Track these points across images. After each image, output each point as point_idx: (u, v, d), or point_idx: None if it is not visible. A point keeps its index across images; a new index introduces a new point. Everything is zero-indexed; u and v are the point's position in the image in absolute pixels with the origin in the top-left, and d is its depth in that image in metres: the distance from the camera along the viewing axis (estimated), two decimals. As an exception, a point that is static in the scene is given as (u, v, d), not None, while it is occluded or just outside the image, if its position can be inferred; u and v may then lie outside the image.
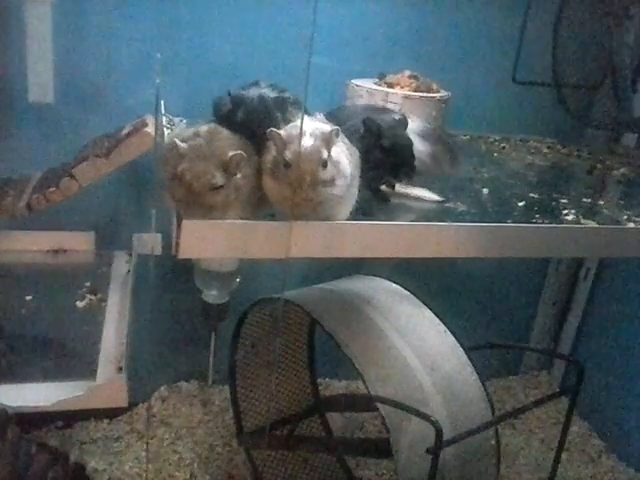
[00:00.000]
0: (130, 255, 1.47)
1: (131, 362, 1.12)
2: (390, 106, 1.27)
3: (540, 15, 1.56)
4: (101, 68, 1.41)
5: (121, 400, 1.07)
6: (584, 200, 1.21)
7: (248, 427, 1.51)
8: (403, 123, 1.06)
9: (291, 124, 0.90)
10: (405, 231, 0.94)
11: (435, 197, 1.10)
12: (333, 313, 1.20)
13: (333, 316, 1.18)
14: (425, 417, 1.00)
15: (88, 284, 1.36)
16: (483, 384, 1.20)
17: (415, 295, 1.32)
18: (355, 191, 0.93)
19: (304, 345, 1.60)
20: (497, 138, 1.63)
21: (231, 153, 0.87)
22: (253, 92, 0.94)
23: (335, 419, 1.67)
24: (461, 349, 1.22)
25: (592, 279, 1.90)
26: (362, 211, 0.94)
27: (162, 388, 1.76)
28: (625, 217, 1.12)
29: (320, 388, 1.68)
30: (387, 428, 1.04)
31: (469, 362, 1.21)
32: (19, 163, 1.41)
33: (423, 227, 0.96)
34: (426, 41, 1.58)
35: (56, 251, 1.47)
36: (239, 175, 0.88)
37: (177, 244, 0.84)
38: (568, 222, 1.06)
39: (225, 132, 0.92)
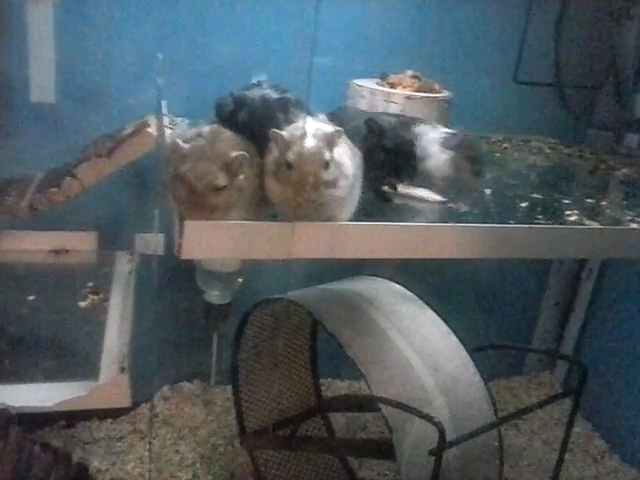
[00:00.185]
0: (132, 255, 1.47)
1: (134, 362, 1.12)
2: (392, 106, 1.27)
3: (542, 15, 1.56)
4: (103, 68, 1.41)
5: (124, 400, 1.07)
6: (587, 201, 1.21)
7: (250, 427, 1.51)
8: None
9: (293, 125, 0.90)
10: (407, 232, 0.94)
11: (437, 198, 1.09)
12: (335, 314, 1.20)
13: (335, 317, 1.18)
14: (428, 418, 1.00)
15: (90, 284, 1.36)
16: (486, 385, 1.19)
17: (418, 296, 1.32)
18: (357, 192, 0.93)
19: (306, 345, 1.60)
20: (499, 138, 1.63)
21: (234, 154, 0.87)
22: (255, 93, 0.94)
23: (337, 420, 1.67)
24: (464, 350, 1.22)
25: (594, 280, 1.90)
26: (364, 212, 0.94)
27: (165, 388, 1.76)
28: (628, 218, 1.12)
29: (322, 388, 1.68)
30: (390, 429, 1.04)
31: (472, 363, 1.21)
32: (21, 163, 1.42)
33: (425, 228, 0.96)
34: (428, 41, 1.58)
35: (58, 251, 1.48)
36: (241, 176, 0.88)
37: (179, 245, 0.84)
38: (571, 223, 1.06)
39: (227, 133, 0.92)
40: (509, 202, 1.15)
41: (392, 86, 1.34)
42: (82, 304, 1.29)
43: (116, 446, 1.57)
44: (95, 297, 1.32)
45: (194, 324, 1.65)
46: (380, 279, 1.39)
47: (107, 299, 1.31)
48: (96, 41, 1.39)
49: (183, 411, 1.71)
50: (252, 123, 0.92)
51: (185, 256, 0.85)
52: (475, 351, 1.23)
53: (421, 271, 1.48)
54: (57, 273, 1.43)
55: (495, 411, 1.18)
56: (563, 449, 1.30)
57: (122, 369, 1.09)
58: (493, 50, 1.63)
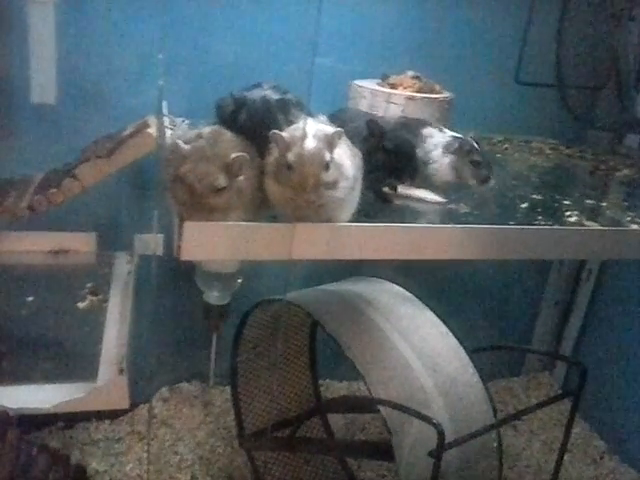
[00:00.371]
0: (131, 256, 1.47)
1: (132, 363, 1.12)
2: (392, 107, 1.27)
3: (543, 16, 1.56)
4: (103, 69, 1.41)
5: (122, 401, 1.07)
6: (587, 201, 1.21)
7: (249, 428, 1.51)
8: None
9: (294, 126, 0.90)
10: (407, 233, 0.94)
11: (437, 199, 1.09)
12: (335, 315, 1.20)
13: (335, 318, 1.18)
14: (427, 419, 1.00)
15: (89, 285, 1.36)
16: (485, 385, 1.19)
17: (417, 297, 1.32)
18: (358, 193, 0.93)
19: (306, 346, 1.59)
20: (500, 139, 1.63)
21: (234, 155, 0.86)
22: (256, 94, 0.94)
23: (336, 421, 1.67)
24: (463, 350, 1.22)
25: (594, 280, 1.89)
26: (364, 213, 0.94)
27: (163, 389, 1.76)
28: (628, 218, 1.12)
29: (321, 389, 1.68)
30: (389, 430, 1.04)
31: (471, 364, 1.21)
32: (21, 164, 1.41)
33: (425, 229, 0.96)
34: (429, 42, 1.58)
35: (57, 252, 1.47)
36: (241, 177, 0.88)
37: (179, 246, 0.84)
38: (571, 224, 1.06)
39: (228, 134, 0.92)
40: (509, 203, 1.15)
41: (393, 87, 1.34)
42: (81, 305, 1.29)
43: (114, 447, 1.57)
44: (94, 298, 1.31)
45: (193, 325, 1.65)
46: (379, 280, 1.39)
47: (106, 300, 1.31)
48: (97, 42, 1.39)
49: (182, 412, 1.70)
50: (252, 124, 0.92)
51: (184, 257, 0.85)
52: (475, 352, 1.23)
53: (420, 272, 1.48)
54: (56, 274, 1.43)
55: (494, 412, 1.18)
56: (562, 450, 1.30)
57: (121, 370, 1.09)
58: (494, 51, 1.62)
